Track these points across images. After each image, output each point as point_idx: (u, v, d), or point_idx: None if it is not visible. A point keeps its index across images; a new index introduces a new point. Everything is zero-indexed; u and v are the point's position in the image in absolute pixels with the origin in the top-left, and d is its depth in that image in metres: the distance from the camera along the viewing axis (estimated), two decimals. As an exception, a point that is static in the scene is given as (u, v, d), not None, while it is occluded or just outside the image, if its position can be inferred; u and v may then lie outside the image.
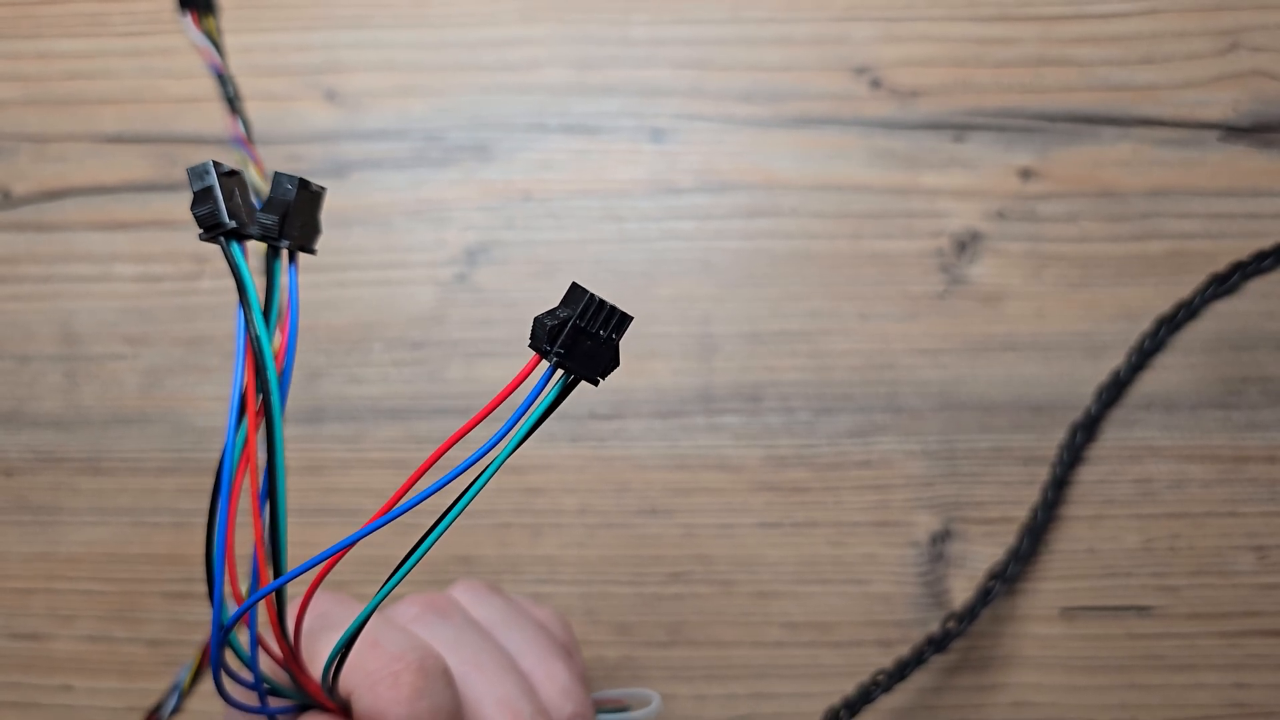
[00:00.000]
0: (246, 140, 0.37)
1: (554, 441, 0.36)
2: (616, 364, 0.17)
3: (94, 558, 0.37)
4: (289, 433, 0.36)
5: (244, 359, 0.17)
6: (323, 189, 0.18)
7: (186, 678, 0.35)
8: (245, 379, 0.17)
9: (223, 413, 0.37)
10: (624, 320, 0.17)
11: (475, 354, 0.37)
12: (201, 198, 0.17)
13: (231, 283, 0.38)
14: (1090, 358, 0.36)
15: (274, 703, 0.22)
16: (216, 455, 0.36)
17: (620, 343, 0.17)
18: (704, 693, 0.35)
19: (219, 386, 0.37)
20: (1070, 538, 0.35)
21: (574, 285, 0.17)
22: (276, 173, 0.18)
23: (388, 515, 0.17)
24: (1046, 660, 0.35)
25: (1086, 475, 0.35)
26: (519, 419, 0.17)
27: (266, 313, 0.18)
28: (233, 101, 0.37)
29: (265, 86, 0.38)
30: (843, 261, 0.37)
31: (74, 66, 0.39)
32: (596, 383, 0.17)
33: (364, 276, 0.37)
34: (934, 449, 0.36)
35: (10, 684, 0.36)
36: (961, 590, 0.35)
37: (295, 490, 0.36)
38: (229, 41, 0.38)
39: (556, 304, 0.17)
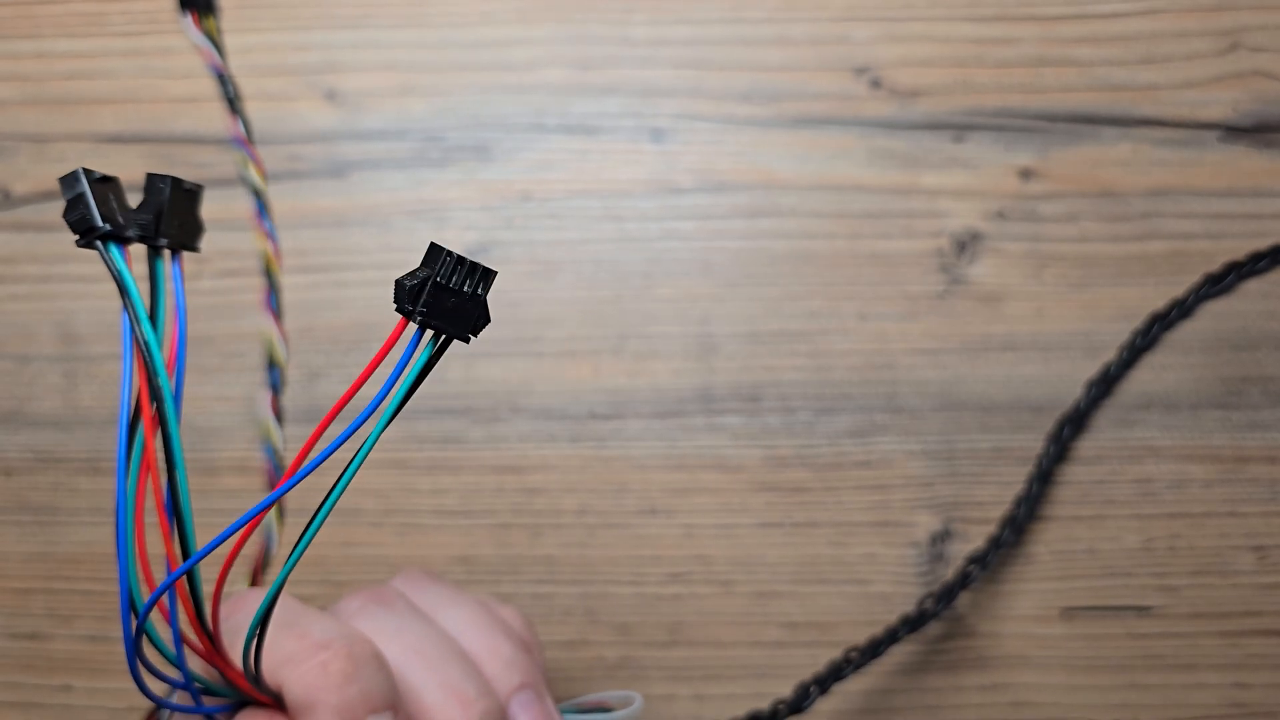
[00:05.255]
0: (246, 140, 0.37)
1: (553, 441, 0.36)
2: (487, 319, 0.16)
3: (93, 558, 0.37)
4: (288, 432, 0.36)
5: (132, 365, 0.17)
6: (199, 186, 0.18)
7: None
8: (136, 385, 0.17)
9: (225, 413, 0.37)
10: (488, 274, 0.16)
11: (475, 354, 0.37)
12: (73, 204, 0.17)
13: (232, 282, 0.38)
14: (1090, 358, 0.36)
15: (209, 702, 0.22)
16: (217, 455, 0.37)
17: (488, 298, 0.16)
18: (704, 693, 0.35)
19: (219, 386, 0.37)
20: (1070, 538, 0.35)
21: (432, 245, 0.16)
22: (149, 174, 0.18)
23: (269, 498, 0.17)
24: (1046, 660, 0.35)
25: (1086, 475, 0.35)
26: (393, 384, 0.16)
27: (153, 315, 0.17)
28: (233, 102, 0.37)
29: (265, 86, 0.38)
30: (842, 261, 0.37)
31: (73, 66, 0.39)
32: (468, 340, 0.16)
33: (363, 276, 0.37)
34: (934, 449, 0.36)
35: (10, 684, 0.36)
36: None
37: (295, 491, 0.36)
38: (229, 41, 0.38)
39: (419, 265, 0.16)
